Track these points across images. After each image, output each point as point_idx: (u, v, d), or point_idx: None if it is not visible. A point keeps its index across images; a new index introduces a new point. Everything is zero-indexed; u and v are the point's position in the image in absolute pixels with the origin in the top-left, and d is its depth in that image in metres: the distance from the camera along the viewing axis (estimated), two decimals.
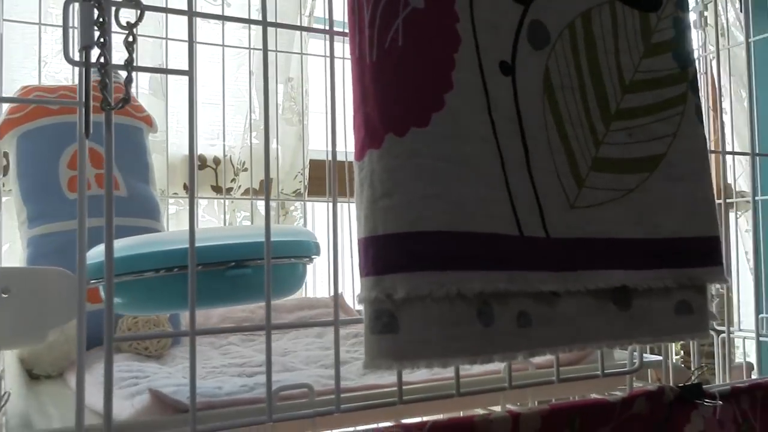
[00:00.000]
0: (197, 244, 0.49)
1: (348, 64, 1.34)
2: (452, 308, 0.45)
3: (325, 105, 1.35)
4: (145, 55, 1.25)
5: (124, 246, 0.51)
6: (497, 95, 0.52)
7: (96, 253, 0.53)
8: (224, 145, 1.30)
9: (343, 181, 1.35)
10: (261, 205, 1.33)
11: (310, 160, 1.39)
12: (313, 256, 0.57)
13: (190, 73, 0.47)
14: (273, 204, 1.35)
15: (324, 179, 1.34)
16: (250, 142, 1.29)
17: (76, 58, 0.45)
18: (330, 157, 1.35)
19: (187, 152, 1.30)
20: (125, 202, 0.98)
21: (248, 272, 0.50)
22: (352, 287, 1.34)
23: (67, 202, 0.94)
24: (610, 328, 0.54)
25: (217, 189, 1.33)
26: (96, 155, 0.98)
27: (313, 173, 1.38)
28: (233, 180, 1.33)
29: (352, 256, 1.34)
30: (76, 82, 1.16)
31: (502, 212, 0.49)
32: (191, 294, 0.43)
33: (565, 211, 0.53)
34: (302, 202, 1.35)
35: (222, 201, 1.31)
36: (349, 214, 1.37)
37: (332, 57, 0.52)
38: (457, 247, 0.46)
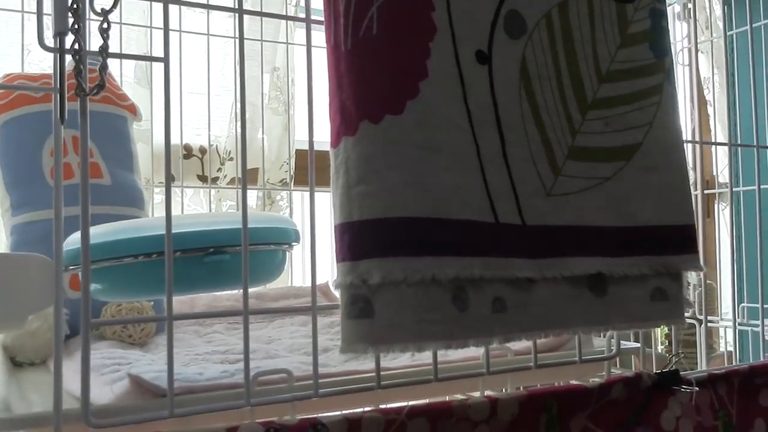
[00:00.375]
0: (175, 230, 0.50)
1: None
2: (427, 293, 0.46)
3: (307, 94, 1.35)
4: (130, 44, 1.24)
5: (102, 232, 0.51)
6: (473, 84, 0.52)
7: (75, 239, 0.53)
8: (209, 135, 1.30)
9: (327, 170, 1.36)
10: (249, 197, 1.33)
11: (297, 150, 1.39)
12: (292, 243, 0.57)
13: (165, 60, 0.47)
14: (259, 194, 1.35)
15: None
16: (236, 132, 1.29)
17: (51, 44, 0.45)
18: (309, 146, 1.35)
19: (173, 142, 1.30)
20: (109, 190, 0.98)
21: (226, 258, 0.50)
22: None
23: (50, 190, 0.94)
24: (585, 314, 0.55)
25: (203, 178, 1.33)
26: (79, 143, 0.98)
27: (300, 163, 1.38)
28: (219, 169, 1.33)
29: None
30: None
31: (478, 200, 0.50)
32: (168, 279, 0.44)
33: (541, 199, 0.54)
34: (288, 192, 1.35)
35: (208, 190, 1.31)
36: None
37: (309, 46, 0.52)
38: (432, 233, 0.46)
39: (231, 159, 1.31)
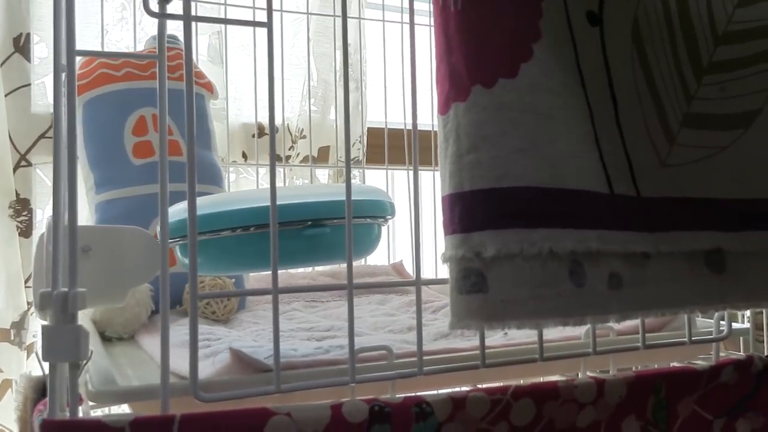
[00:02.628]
0: (279, 203, 0.48)
1: (405, 29, 1.31)
2: (544, 267, 0.43)
3: (384, 71, 1.33)
4: (203, 23, 1.24)
5: (200, 205, 0.51)
6: (585, 46, 0.49)
7: (174, 213, 0.52)
8: (283, 113, 1.29)
9: (401, 149, 1.33)
10: (320, 173, 1.32)
11: (369, 128, 1.37)
12: (388, 217, 0.55)
13: (269, 25, 0.45)
14: (330, 172, 1.34)
15: (382, 147, 1.32)
16: (309, 110, 1.28)
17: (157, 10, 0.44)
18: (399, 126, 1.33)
19: (245, 120, 1.30)
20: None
21: (326, 231, 0.49)
22: (412, 255, 1.33)
23: (132, 168, 0.95)
24: (702, 292, 0.51)
25: (275, 157, 1.32)
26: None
27: (372, 141, 1.37)
28: (291, 148, 1.32)
29: (411, 225, 1.33)
30: (138, 48, 1.17)
31: (592, 168, 0.47)
32: (273, 252, 0.42)
33: (656, 170, 0.51)
34: (360, 170, 1.34)
35: (282, 169, 1.30)
36: (408, 182, 1.35)
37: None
38: (547, 204, 0.44)
39: (304, 137, 1.30)
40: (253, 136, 1.30)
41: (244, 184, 1.31)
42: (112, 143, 0.96)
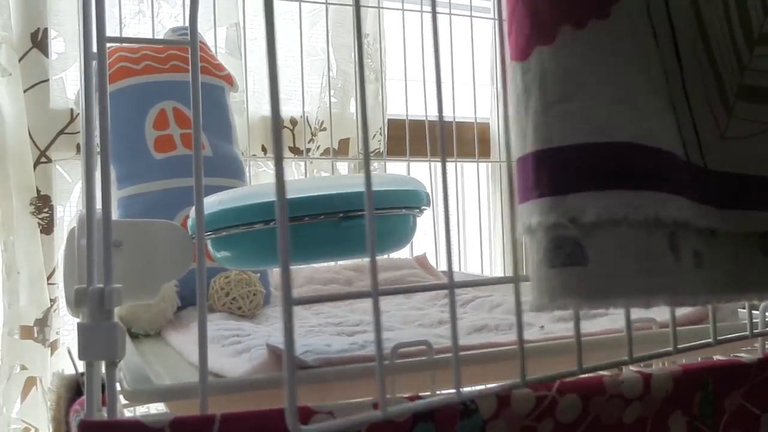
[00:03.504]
0: (309, 194, 0.47)
1: (426, 18, 1.28)
2: (649, 237, 0.37)
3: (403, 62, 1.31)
4: (221, 14, 1.23)
5: (232, 197, 0.49)
6: (652, 3, 0.46)
7: (204, 206, 0.51)
8: (303, 106, 1.27)
9: (423, 140, 1.32)
10: (341, 165, 1.31)
11: (390, 120, 1.35)
12: (423, 207, 0.53)
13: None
14: (350, 165, 1.32)
15: (403, 139, 1.30)
16: (329, 102, 1.26)
17: None
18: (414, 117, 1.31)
19: (265, 113, 1.28)
20: (210, 161, 0.96)
21: (362, 223, 0.47)
22: (435, 248, 1.31)
23: (154, 162, 0.94)
24: (758, 278, 0.48)
25: (294, 150, 1.31)
26: (181, 115, 0.97)
27: (392, 132, 1.35)
28: (311, 140, 1.31)
29: (434, 218, 1.31)
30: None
31: (674, 131, 0.43)
32: (371, 241, 0.41)
33: (717, 141, 0.47)
34: (381, 162, 1.32)
35: (300, 162, 1.29)
36: (430, 174, 1.33)
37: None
38: (649, 163, 0.38)
39: (324, 129, 1.28)
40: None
41: (264, 178, 1.29)
42: (133, 138, 0.95)
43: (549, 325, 0.67)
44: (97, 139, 0.40)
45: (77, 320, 0.42)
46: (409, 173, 1.35)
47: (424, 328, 0.74)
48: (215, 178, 0.96)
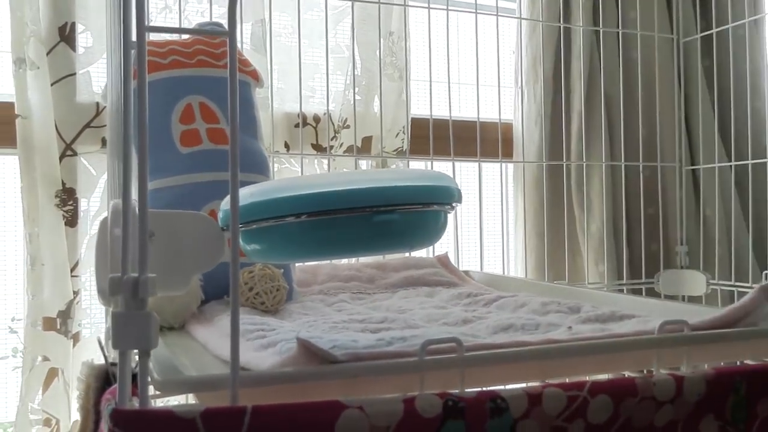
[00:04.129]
0: (342, 187, 0.47)
1: (452, 16, 1.27)
2: None
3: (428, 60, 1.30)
4: (247, 10, 1.23)
5: (263, 189, 0.49)
6: None
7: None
8: (328, 103, 1.27)
9: (446, 139, 1.31)
10: (364, 164, 1.30)
11: (413, 119, 1.35)
12: (455, 204, 0.53)
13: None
14: (373, 163, 1.32)
15: (427, 138, 1.30)
16: (353, 99, 1.26)
17: None
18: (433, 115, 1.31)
19: (288, 110, 1.29)
20: None
21: (396, 218, 0.47)
22: (456, 247, 1.31)
23: (180, 156, 0.94)
24: None
25: (317, 147, 1.31)
26: (207, 110, 0.98)
27: (416, 132, 1.34)
28: (334, 138, 1.31)
29: (456, 217, 1.30)
30: (184, 37, 1.16)
31: None
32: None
33: None
34: (405, 161, 1.32)
35: (325, 159, 1.28)
36: (455, 173, 1.33)
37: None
38: None
39: (347, 127, 1.28)
40: (297, 125, 1.28)
41: (286, 175, 1.29)
42: (159, 132, 0.95)
43: (576, 326, 0.66)
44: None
45: (110, 310, 0.42)
46: (432, 165, 1.34)
47: (449, 326, 0.73)
48: (241, 172, 0.96)
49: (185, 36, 1.15)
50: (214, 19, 1.19)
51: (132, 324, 0.38)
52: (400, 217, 0.47)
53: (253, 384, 0.43)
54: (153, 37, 1.18)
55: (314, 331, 0.70)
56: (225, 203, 0.52)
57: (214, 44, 1.03)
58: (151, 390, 0.47)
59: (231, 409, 0.40)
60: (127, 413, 0.38)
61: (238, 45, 1.16)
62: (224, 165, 0.95)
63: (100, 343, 0.50)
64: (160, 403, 0.70)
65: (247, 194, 0.49)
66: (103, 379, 0.46)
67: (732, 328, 0.63)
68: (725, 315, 0.62)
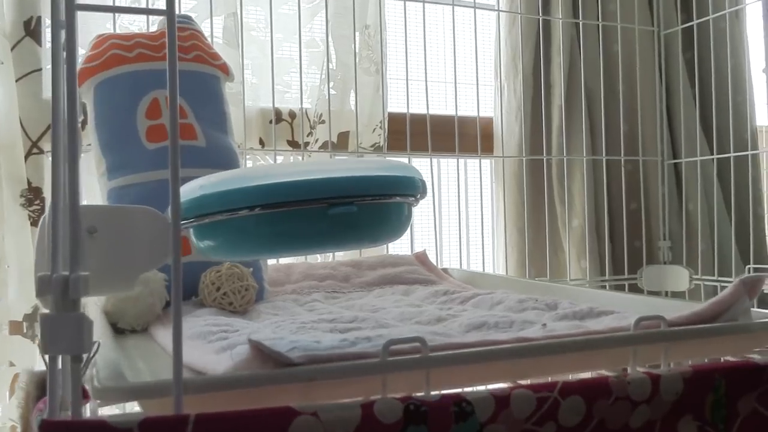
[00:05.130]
0: (295, 178, 0.44)
1: (429, 9, 1.24)
2: None
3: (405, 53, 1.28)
4: (218, 3, 1.20)
5: (214, 181, 0.46)
6: None
7: (185, 192, 0.48)
8: (302, 98, 1.24)
9: (424, 135, 1.28)
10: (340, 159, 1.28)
11: (390, 114, 1.32)
12: (419, 196, 0.50)
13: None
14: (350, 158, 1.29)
15: (404, 133, 1.27)
16: (328, 94, 1.23)
17: None
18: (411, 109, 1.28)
19: (262, 106, 1.26)
20: (204, 152, 0.94)
21: (353, 210, 0.44)
22: (436, 245, 1.28)
23: (146, 152, 0.91)
24: None
25: (293, 144, 1.28)
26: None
27: (393, 127, 1.32)
28: (309, 134, 1.28)
29: (435, 214, 1.28)
30: (152, 29, 1.13)
31: None
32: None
33: None
34: (383, 153, 1.29)
35: (299, 155, 1.25)
36: (433, 170, 1.30)
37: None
38: None
39: (322, 122, 1.25)
40: (271, 122, 1.25)
41: None
42: (124, 127, 0.92)
43: (552, 323, 0.64)
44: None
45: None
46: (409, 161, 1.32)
47: (421, 325, 0.71)
48: (208, 168, 0.92)
49: (152, 28, 1.12)
50: (184, 12, 1.15)
51: (62, 327, 0.35)
52: (358, 210, 0.44)
53: (199, 390, 0.40)
54: (119, 30, 1.15)
55: (281, 332, 0.67)
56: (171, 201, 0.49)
57: (181, 37, 1.00)
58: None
59: (172, 417, 0.37)
60: (56, 424, 0.35)
61: (209, 38, 1.13)
62: (192, 161, 0.92)
63: (39, 347, 0.47)
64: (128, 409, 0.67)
65: (197, 186, 0.46)
66: (42, 388, 0.43)
67: (712, 323, 0.60)
68: (704, 310, 0.59)
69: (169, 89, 0.37)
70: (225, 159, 0.96)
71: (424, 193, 0.51)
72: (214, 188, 0.45)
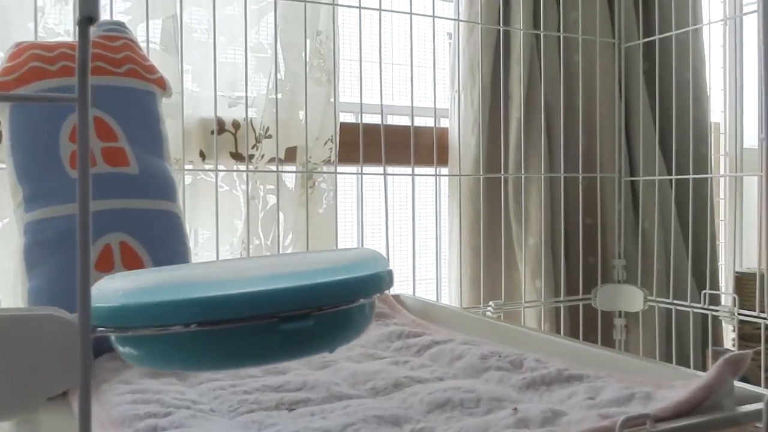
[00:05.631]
0: (238, 290, 0.36)
1: (385, 17, 1.16)
2: None
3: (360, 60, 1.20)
4: (156, 4, 1.09)
5: (140, 287, 0.38)
6: None
7: (104, 291, 0.39)
8: (246, 108, 1.15)
9: (377, 146, 1.21)
10: (288, 178, 1.19)
11: (342, 124, 1.25)
12: (385, 291, 0.43)
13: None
14: (298, 177, 1.21)
15: (357, 144, 1.20)
16: (276, 106, 1.14)
17: None
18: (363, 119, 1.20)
19: (204, 116, 1.16)
20: (136, 180, 0.84)
21: (309, 325, 0.37)
22: None
23: (69, 181, 0.81)
24: None
25: (237, 156, 1.19)
26: (104, 126, 0.85)
27: (345, 138, 1.24)
28: (255, 146, 1.19)
29: (387, 235, 1.21)
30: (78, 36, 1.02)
31: None
32: None
33: None
34: (332, 174, 1.21)
35: (243, 169, 1.17)
36: (391, 184, 1.23)
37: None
38: None
39: (269, 137, 1.16)
40: (212, 132, 1.16)
41: (201, 187, 1.17)
42: (45, 151, 0.82)
43: (523, 405, 0.58)
44: None
45: None
46: (361, 183, 1.24)
47: (379, 398, 0.64)
48: (142, 199, 0.84)
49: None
50: (116, 18, 1.04)
51: None
52: (315, 323, 0.37)
53: None
54: (43, 33, 1.03)
55: (217, 415, 0.59)
56: (97, 294, 0.41)
57: (112, 48, 0.90)
58: None
59: None
60: None
61: (144, 45, 1.03)
62: (123, 191, 0.83)
63: None
64: None
65: (119, 291, 0.38)
66: None
67: (697, 408, 0.55)
68: (690, 397, 0.54)
69: (78, 133, 0.29)
70: (161, 187, 0.87)
71: (390, 284, 0.44)
72: (140, 298, 0.37)
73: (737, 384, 0.60)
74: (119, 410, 0.58)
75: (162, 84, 0.93)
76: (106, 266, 0.79)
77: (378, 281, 0.42)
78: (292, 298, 0.37)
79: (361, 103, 1.20)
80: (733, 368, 0.57)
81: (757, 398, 0.58)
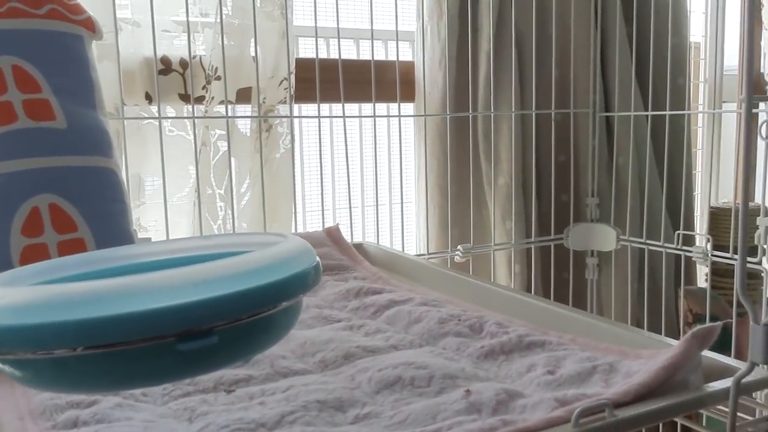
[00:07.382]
0: (128, 308, 0.31)
1: None
2: None
3: None
4: None
5: (17, 305, 0.32)
6: None
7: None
8: (189, 46, 1.06)
9: (336, 83, 1.13)
10: (240, 123, 1.12)
11: (298, 60, 1.17)
12: (311, 287, 0.38)
13: None
14: (253, 124, 1.13)
15: (314, 81, 1.12)
16: (222, 44, 1.06)
17: None
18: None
19: (147, 54, 1.07)
20: (65, 135, 0.77)
21: (212, 342, 0.32)
22: (350, 212, 1.16)
23: None
24: None
25: (185, 98, 1.11)
26: (24, 75, 0.77)
27: (301, 74, 1.16)
28: (204, 87, 1.11)
29: (348, 181, 1.15)
30: None
31: None
32: None
33: None
34: (289, 119, 1.14)
35: (191, 112, 1.09)
36: (353, 123, 1.16)
37: None
38: None
39: (218, 78, 1.08)
40: (159, 72, 1.08)
41: (149, 132, 1.10)
42: None
43: (476, 385, 0.53)
44: None
45: None
46: (319, 124, 1.17)
47: (327, 372, 0.60)
48: (73, 156, 0.77)
49: None
50: None
51: None
52: (220, 338, 0.32)
53: None
54: None
55: (149, 401, 0.55)
56: None
57: None
58: None
59: None
60: None
61: None
62: (49, 148, 0.76)
63: None
64: None
65: (6, 306, 0.32)
66: None
67: (660, 386, 0.52)
68: (654, 378, 0.50)
69: None
70: (93, 142, 0.79)
71: (316, 280, 0.38)
72: (18, 319, 0.31)
73: (705, 354, 0.56)
74: (39, 399, 0.53)
75: (90, 25, 0.84)
76: (34, 231, 0.73)
77: (303, 280, 0.36)
78: (190, 314, 0.31)
79: (315, 27, 1.11)
80: (699, 343, 0.53)
81: (725, 371, 0.55)
